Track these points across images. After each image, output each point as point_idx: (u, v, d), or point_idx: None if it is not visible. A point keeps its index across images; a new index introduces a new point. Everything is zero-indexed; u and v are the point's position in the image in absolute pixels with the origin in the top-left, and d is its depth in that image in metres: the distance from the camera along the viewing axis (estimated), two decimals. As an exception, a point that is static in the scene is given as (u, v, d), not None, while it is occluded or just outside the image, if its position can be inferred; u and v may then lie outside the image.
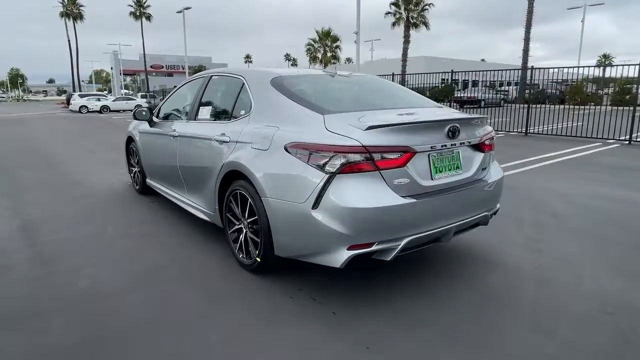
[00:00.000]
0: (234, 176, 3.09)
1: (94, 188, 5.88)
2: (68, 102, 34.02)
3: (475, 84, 24.17)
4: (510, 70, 14.11)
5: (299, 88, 3.10)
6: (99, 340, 2.31)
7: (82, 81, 70.30)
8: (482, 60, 71.68)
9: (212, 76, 3.92)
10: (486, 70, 14.54)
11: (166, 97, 4.83)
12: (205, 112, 3.78)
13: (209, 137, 3.43)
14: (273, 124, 2.88)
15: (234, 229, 3.22)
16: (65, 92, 48.59)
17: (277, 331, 2.39)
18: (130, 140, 5.46)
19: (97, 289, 2.89)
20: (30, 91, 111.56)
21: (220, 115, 3.60)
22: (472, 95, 21.78)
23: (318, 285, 2.91)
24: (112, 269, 3.21)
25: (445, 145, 2.70)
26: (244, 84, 3.36)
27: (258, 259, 2.95)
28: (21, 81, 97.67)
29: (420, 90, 18.08)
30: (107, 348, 2.25)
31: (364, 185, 2.43)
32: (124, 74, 57.22)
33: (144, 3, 50.06)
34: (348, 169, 2.41)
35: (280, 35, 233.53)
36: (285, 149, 2.64)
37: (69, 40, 49.49)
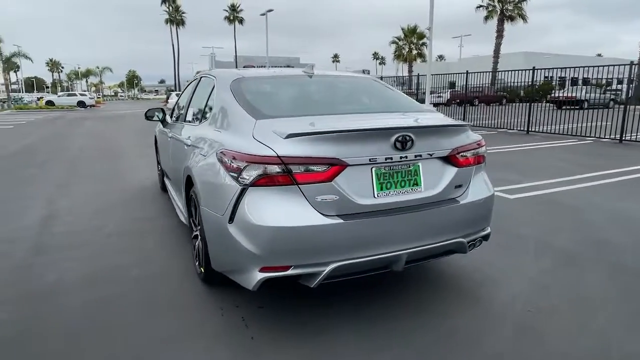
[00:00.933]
0: (191, 181, 3.00)
1: (130, 183, 6.27)
2: (167, 100, 37.40)
3: (586, 82, 21.07)
4: (613, 66, 12.17)
5: (254, 91, 2.91)
6: (19, 338, 2.36)
7: (187, 81, 76.95)
8: (598, 55, 63.64)
9: (201, 77, 3.88)
10: (576, 67, 12.74)
11: (177, 99, 4.93)
12: (190, 114, 3.75)
13: (182, 140, 3.39)
14: (219, 128, 2.73)
15: (193, 235, 3.13)
16: (173, 91, 53.56)
17: (181, 355, 2.23)
18: (156, 139, 5.71)
19: (58, 285, 2.99)
20: (144, 90, 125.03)
21: (195, 117, 3.55)
22: (572, 94, 19.25)
23: (258, 303, 2.69)
24: (86, 265, 3.31)
25: (391, 158, 2.29)
26: (214, 86, 3.25)
27: (202, 269, 2.83)
28: (137, 81, 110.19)
29: (513, 89, 16.13)
30: (17, 346, 2.28)
31: (279, 200, 2.15)
32: (219, 75, 61.20)
33: (237, 7, 53.22)
34: (264, 181, 2.16)
35: (370, 34, 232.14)
36: (216, 156, 2.47)
37: (172, 44, 54.55)
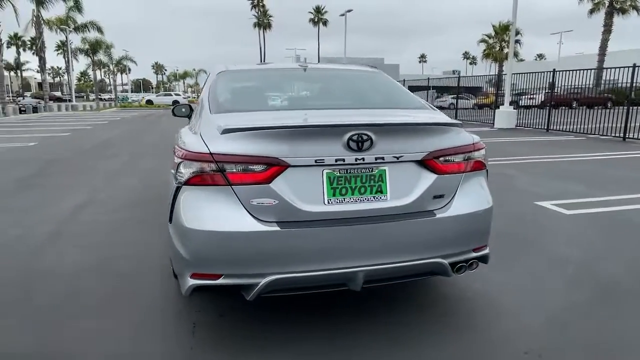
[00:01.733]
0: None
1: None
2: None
3: None
4: None
5: (230, 85, 2.76)
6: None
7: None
8: None
9: (209, 73, 3.84)
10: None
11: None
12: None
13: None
14: (192, 123, 2.63)
15: (176, 232, 3.07)
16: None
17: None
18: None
19: (49, 271, 3.11)
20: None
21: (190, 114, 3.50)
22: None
23: (222, 310, 2.53)
24: (87, 255, 3.41)
25: (343, 160, 1.98)
26: (206, 81, 3.17)
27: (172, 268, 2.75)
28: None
29: (621, 91, 13.82)
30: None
31: (211, 202, 1.96)
32: (302, 76, 62.99)
33: (322, 9, 54.14)
34: (197, 180, 1.98)
35: (461, 32, 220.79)
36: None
37: (260, 46, 57.20)
